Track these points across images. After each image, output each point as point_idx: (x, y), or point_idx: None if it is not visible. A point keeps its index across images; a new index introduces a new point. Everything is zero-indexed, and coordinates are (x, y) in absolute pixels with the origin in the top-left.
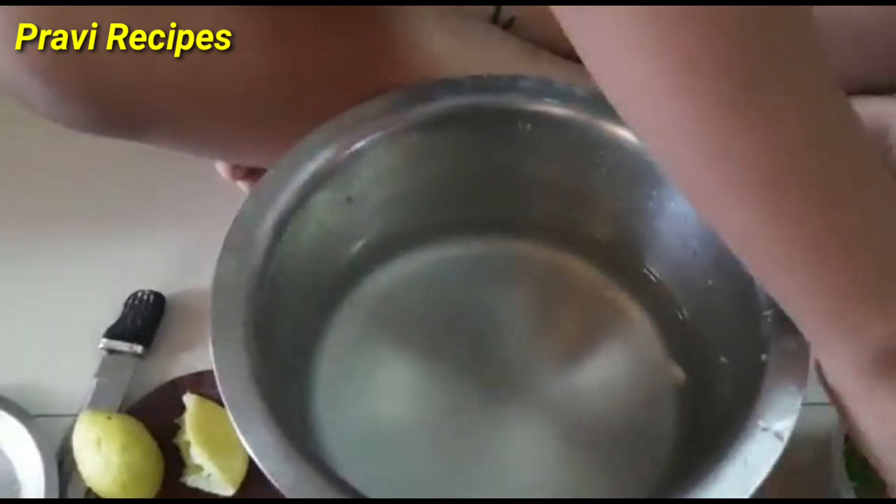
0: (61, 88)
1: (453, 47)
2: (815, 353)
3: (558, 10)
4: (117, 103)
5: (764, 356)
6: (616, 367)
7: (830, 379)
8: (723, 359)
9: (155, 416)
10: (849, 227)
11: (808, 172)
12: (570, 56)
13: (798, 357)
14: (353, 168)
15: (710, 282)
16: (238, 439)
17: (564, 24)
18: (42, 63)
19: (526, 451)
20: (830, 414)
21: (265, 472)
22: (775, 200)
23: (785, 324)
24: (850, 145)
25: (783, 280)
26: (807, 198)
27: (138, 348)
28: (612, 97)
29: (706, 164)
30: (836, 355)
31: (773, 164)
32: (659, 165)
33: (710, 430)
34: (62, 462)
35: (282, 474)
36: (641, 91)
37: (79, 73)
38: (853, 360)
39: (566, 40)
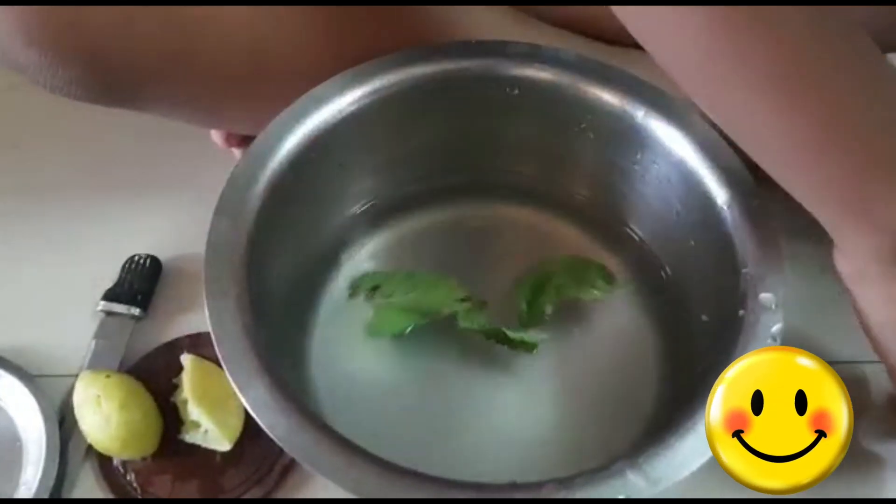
0: (57, 56)
1: (438, 14)
2: (833, 237)
3: None
4: (111, 68)
5: (741, 312)
6: (600, 328)
7: (842, 265)
8: (703, 316)
9: (153, 375)
10: (860, 111)
11: (816, 63)
12: (554, 23)
13: (774, 312)
14: (342, 133)
15: (691, 242)
16: (234, 396)
17: None
18: (37, 33)
19: (510, 410)
20: None
21: (261, 424)
22: (786, 90)
23: (761, 280)
24: (855, 43)
25: (799, 170)
26: (817, 86)
27: (136, 311)
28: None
29: (721, 63)
30: (850, 240)
31: (782, 57)
32: (644, 129)
33: (689, 384)
34: (63, 420)
35: (277, 426)
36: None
37: (73, 40)
38: (868, 245)
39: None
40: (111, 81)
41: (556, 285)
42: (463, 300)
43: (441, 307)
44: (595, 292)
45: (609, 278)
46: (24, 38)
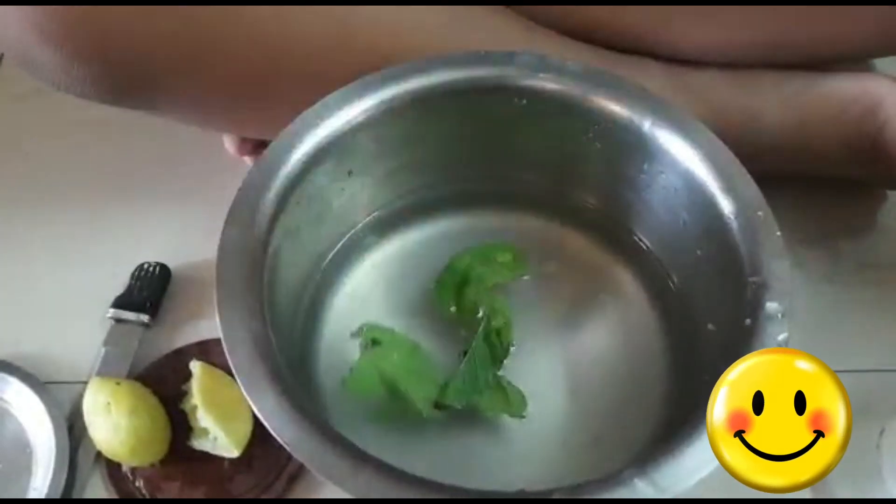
0: (72, 54)
1: (444, 25)
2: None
3: None
4: (128, 66)
5: (748, 321)
6: (606, 335)
7: None
8: (710, 326)
9: (161, 382)
10: None
11: None
12: (566, 32)
13: (780, 322)
14: (353, 141)
15: (698, 252)
16: (243, 403)
17: None
18: (52, 29)
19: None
20: None
21: (271, 430)
22: None
23: (768, 290)
24: None
25: None
26: None
27: (145, 318)
28: None
29: None
30: None
31: None
32: (651, 139)
33: (696, 393)
34: (72, 426)
35: (286, 432)
36: None
37: (89, 37)
38: None
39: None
40: (126, 80)
41: (476, 276)
42: (436, 406)
43: (415, 400)
44: (507, 273)
45: (519, 256)
46: (39, 34)
